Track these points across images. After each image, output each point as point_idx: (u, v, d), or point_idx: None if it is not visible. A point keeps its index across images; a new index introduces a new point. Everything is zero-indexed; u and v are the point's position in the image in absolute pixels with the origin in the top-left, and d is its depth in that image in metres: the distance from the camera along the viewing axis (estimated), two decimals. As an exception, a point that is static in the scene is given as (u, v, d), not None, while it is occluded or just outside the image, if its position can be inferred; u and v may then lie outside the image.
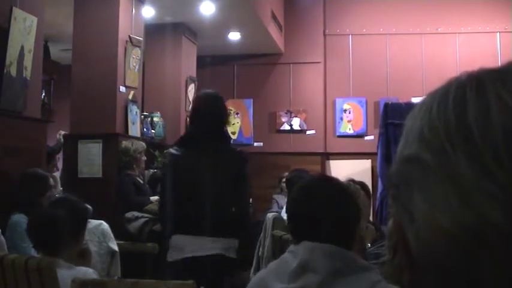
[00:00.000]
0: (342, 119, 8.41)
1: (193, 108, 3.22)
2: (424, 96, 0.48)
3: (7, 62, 3.65)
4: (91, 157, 5.17)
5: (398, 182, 0.45)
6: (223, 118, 3.10)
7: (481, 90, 0.42)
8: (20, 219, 3.49)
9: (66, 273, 2.31)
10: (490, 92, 0.41)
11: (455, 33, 8.16)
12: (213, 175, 2.94)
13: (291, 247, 1.54)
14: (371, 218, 4.56)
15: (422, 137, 0.43)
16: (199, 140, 3.00)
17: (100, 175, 5.13)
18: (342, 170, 7.73)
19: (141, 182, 5.17)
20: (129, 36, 5.55)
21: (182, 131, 7.19)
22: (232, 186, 2.97)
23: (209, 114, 3.00)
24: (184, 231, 2.95)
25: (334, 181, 1.69)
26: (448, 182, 0.40)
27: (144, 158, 5.27)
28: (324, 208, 1.54)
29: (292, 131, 8.47)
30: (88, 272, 2.37)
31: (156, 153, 6.46)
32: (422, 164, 0.42)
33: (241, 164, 3.05)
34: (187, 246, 2.93)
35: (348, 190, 1.67)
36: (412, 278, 0.45)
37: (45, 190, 3.80)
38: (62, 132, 5.65)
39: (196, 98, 3.37)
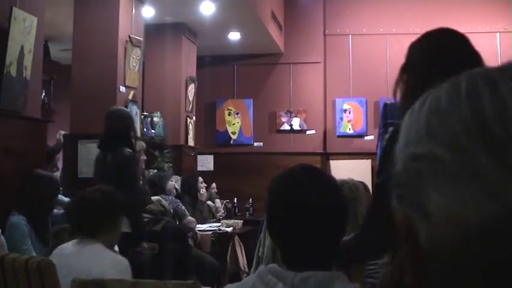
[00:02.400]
0: (342, 119, 8.41)
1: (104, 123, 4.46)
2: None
3: (7, 62, 3.64)
4: (91, 157, 5.15)
5: (405, 181, 0.45)
6: (120, 129, 4.28)
7: (493, 87, 0.42)
8: (20, 220, 3.48)
9: (104, 254, 2.42)
10: (503, 89, 0.42)
11: (455, 33, 8.15)
12: (104, 169, 4.19)
13: (263, 270, 1.33)
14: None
15: (431, 133, 0.43)
16: (104, 144, 4.30)
17: (100, 175, 5.13)
18: (342, 170, 7.73)
19: (141, 182, 5.16)
20: (129, 36, 5.55)
21: (182, 131, 7.19)
22: (117, 177, 3.96)
23: (110, 127, 4.30)
24: None
25: (318, 173, 1.42)
26: (467, 175, 0.40)
27: (143, 157, 5.26)
28: (310, 210, 1.33)
29: (292, 131, 8.47)
30: (122, 262, 2.44)
31: (156, 153, 6.46)
32: (436, 159, 0.42)
33: (123, 160, 4.17)
34: None
35: (334, 182, 1.42)
36: (417, 278, 0.45)
37: (56, 193, 3.82)
38: (62, 132, 5.64)
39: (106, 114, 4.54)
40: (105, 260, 2.40)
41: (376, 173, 1.97)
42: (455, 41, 1.91)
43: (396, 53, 8.24)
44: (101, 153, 4.37)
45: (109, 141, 4.29)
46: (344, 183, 3.01)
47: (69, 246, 2.53)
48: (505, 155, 0.40)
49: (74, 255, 2.44)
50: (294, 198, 1.34)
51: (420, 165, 0.43)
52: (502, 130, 0.40)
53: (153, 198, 4.92)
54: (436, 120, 0.44)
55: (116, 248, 2.82)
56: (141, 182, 4.86)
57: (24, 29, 3.81)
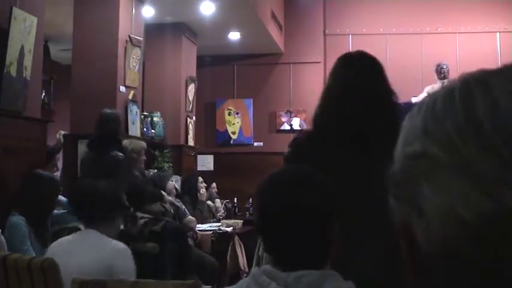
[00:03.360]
0: (341, 119, 8.40)
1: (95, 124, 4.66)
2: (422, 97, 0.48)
3: (7, 62, 3.64)
4: (91, 157, 5.16)
5: (401, 180, 0.45)
6: (110, 132, 4.55)
7: (486, 88, 0.43)
8: (19, 221, 3.48)
9: (102, 242, 2.46)
10: (496, 89, 0.42)
11: (455, 33, 8.16)
12: (96, 171, 4.18)
13: (257, 271, 1.34)
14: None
15: (427, 133, 0.44)
16: (95, 146, 4.50)
17: (100, 175, 5.13)
18: (342, 170, 7.73)
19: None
20: (129, 36, 5.55)
21: (182, 130, 7.19)
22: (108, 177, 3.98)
23: (100, 130, 4.55)
24: None
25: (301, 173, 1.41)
26: (462, 173, 0.41)
27: (143, 157, 5.26)
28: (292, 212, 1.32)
29: (292, 130, 8.46)
30: (123, 249, 2.47)
31: (156, 153, 6.46)
32: (430, 158, 0.43)
33: (114, 163, 4.32)
34: None
35: (322, 181, 1.40)
36: (416, 278, 0.46)
37: (56, 194, 3.82)
38: (62, 132, 5.63)
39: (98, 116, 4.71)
40: (107, 246, 2.44)
41: None
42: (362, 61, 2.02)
43: (396, 53, 8.24)
44: (89, 154, 4.53)
45: (100, 144, 4.50)
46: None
47: (69, 238, 2.61)
48: (497, 153, 0.40)
49: (76, 243, 2.50)
50: (282, 199, 1.34)
51: (416, 164, 0.44)
52: (493, 129, 0.41)
53: (166, 198, 4.98)
54: (431, 121, 0.44)
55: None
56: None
57: (24, 29, 3.81)
